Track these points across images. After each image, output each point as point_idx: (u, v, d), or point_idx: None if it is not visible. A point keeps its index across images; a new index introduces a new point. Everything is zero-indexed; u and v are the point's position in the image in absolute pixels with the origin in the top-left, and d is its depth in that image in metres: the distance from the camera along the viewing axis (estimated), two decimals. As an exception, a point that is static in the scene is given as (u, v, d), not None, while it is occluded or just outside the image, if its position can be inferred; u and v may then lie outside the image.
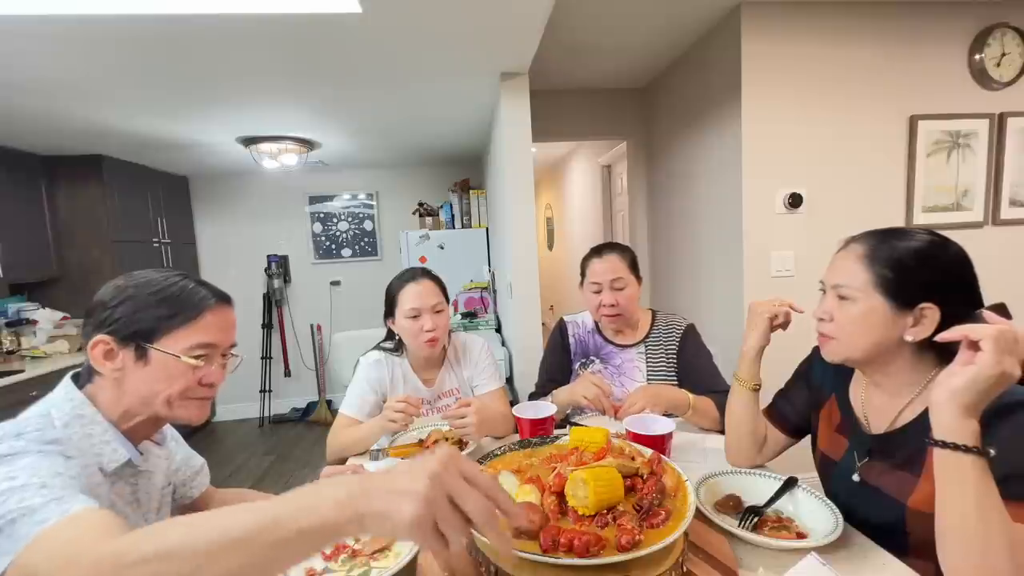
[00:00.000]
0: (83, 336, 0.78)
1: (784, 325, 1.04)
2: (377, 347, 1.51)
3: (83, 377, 0.79)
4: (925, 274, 0.79)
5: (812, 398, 1.04)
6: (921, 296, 0.78)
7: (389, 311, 1.46)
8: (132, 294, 0.77)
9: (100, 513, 0.59)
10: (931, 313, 0.78)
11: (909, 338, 0.79)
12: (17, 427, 0.68)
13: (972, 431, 0.64)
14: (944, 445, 0.66)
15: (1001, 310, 0.74)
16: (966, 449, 0.64)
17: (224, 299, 0.83)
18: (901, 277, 0.79)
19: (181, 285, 0.80)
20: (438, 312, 1.41)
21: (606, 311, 1.49)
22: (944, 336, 0.68)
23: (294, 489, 0.50)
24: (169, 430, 0.97)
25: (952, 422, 0.65)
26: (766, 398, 1.13)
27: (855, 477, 0.89)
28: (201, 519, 0.49)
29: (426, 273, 1.46)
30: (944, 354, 0.79)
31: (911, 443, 0.81)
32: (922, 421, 0.80)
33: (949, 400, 0.65)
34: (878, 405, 0.90)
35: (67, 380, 0.78)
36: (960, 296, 0.79)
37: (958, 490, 0.65)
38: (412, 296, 1.39)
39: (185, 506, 1.00)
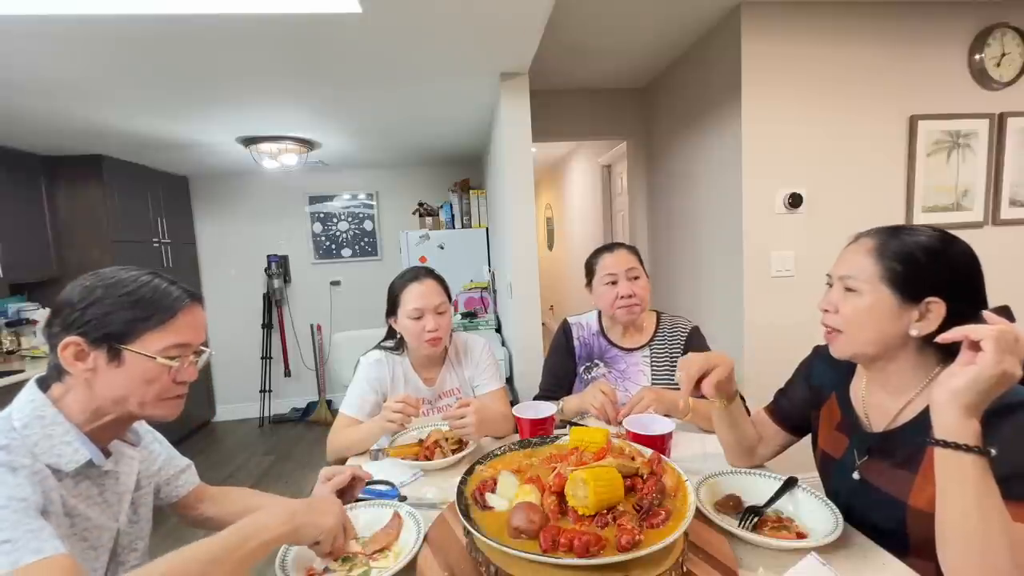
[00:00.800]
0: (48, 336, 0.76)
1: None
2: (378, 346, 1.51)
3: (51, 377, 0.78)
4: (933, 268, 0.79)
5: (812, 397, 1.04)
6: (928, 290, 0.78)
7: (391, 310, 1.45)
8: (102, 295, 0.75)
9: (59, 563, 0.61)
10: (937, 308, 0.78)
11: (914, 332, 0.79)
12: None
13: (973, 431, 0.64)
14: (945, 444, 0.66)
15: (1005, 312, 0.74)
16: (967, 448, 0.64)
17: (196, 298, 0.83)
18: (909, 271, 0.79)
19: (153, 286, 0.78)
20: (441, 313, 1.41)
21: (623, 302, 1.45)
22: (945, 336, 0.68)
23: (242, 519, 0.75)
24: (150, 432, 0.97)
25: (953, 422, 0.65)
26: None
27: (855, 475, 0.89)
28: (181, 553, 0.67)
29: (429, 273, 1.45)
30: (946, 353, 0.79)
31: (910, 442, 0.81)
32: (922, 419, 0.80)
33: (950, 400, 0.65)
34: (878, 403, 0.90)
35: (31, 383, 0.78)
36: (966, 293, 0.79)
37: (958, 489, 0.65)
38: (415, 296, 1.39)
39: (172, 504, 1.00)
